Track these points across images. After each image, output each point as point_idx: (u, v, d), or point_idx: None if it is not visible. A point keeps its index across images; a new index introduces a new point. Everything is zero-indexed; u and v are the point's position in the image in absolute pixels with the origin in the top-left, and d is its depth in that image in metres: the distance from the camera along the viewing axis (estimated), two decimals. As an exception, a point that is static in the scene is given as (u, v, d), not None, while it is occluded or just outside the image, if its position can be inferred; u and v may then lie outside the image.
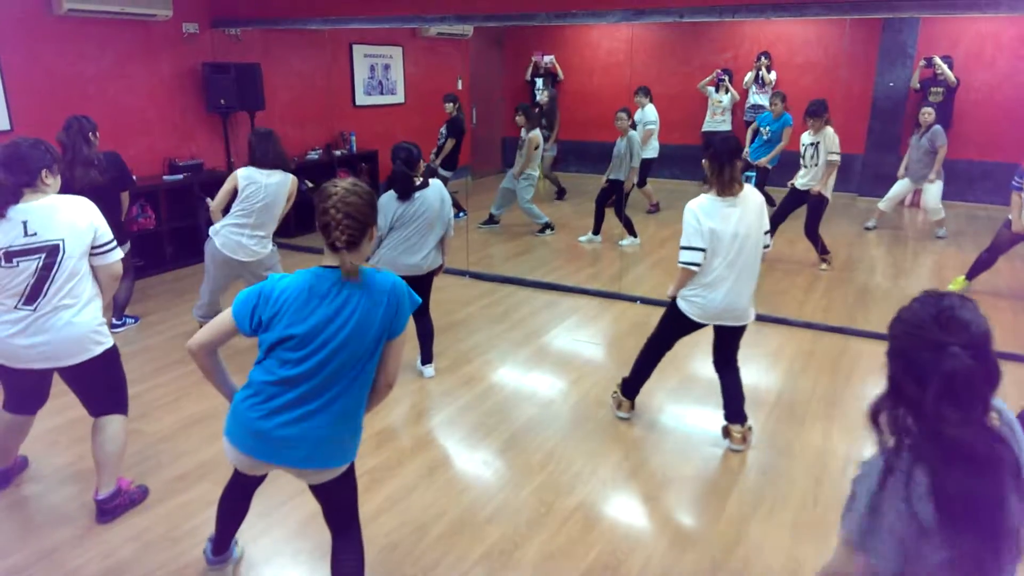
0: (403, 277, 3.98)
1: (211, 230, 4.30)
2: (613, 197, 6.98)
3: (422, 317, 4.11)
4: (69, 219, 2.59)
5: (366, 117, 8.59)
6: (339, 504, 2.16)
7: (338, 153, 7.98)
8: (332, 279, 1.92)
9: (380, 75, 8.81)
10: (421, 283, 4.01)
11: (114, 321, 4.80)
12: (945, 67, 8.25)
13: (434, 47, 9.62)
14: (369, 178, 8.34)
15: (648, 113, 8.08)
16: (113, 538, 2.70)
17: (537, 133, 7.28)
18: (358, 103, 8.56)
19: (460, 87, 10.10)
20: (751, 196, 3.17)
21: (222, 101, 6.55)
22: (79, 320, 2.63)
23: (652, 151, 8.10)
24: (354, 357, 1.93)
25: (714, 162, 3.10)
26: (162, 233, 6.17)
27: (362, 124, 8.51)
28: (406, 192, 3.76)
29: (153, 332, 4.79)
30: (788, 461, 3.26)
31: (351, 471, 2.13)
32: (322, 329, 1.90)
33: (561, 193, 9.33)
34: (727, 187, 3.11)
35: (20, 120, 5.31)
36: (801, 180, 6.12)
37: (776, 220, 6.32)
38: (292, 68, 7.60)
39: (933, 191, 7.13)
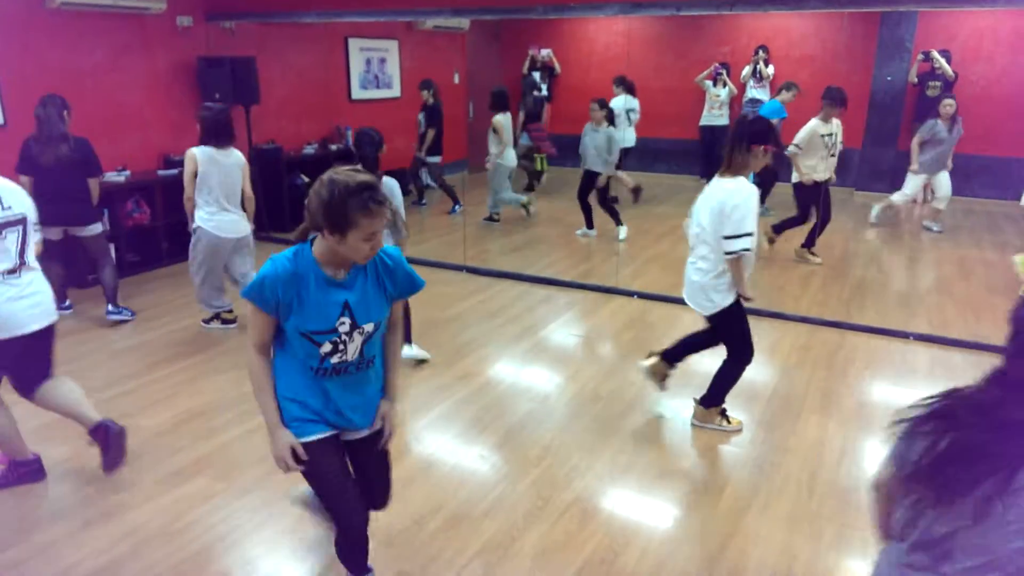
0: None
1: (199, 220, 4.42)
2: (593, 189, 7.01)
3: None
4: (23, 196, 2.90)
5: (362, 111, 8.56)
6: (385, 468, 2.24)
7: (334, 148, 7.95)
8: None
9: (376, 69, 8.78)
10: None
11: (110, 308, 4.85)
12: (943, 61, 8.25)
13: (430, 40, 9.58)
14: (366, 172, 8.31)
15: (633, 101, 8.17)
16: (109, 533, 2.70)
17: (500, 117, 7.25)
18: (354, 97, 8.53)
19: (457, 81, 10.08)
20: (714, 187, 3.18)
21: (217, 95, 6.52)
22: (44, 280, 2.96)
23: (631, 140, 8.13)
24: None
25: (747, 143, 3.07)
26: (157, 228, 6.14)
27: (358, 118, 8.47)
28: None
29: (148, 328, 4.78)
30: (783, 455, 3.27)
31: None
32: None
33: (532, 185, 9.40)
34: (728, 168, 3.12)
35: (14, 115, 5.29)
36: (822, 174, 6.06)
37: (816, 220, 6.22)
38: (287, 62, 7.57)
39: (948, 179, 7.11)
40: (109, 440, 3.01)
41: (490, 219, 7.68)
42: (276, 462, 2.01)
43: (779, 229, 6.39)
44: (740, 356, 3.35)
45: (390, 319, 2.09)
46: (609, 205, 6.98)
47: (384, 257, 1.99)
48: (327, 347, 1.92)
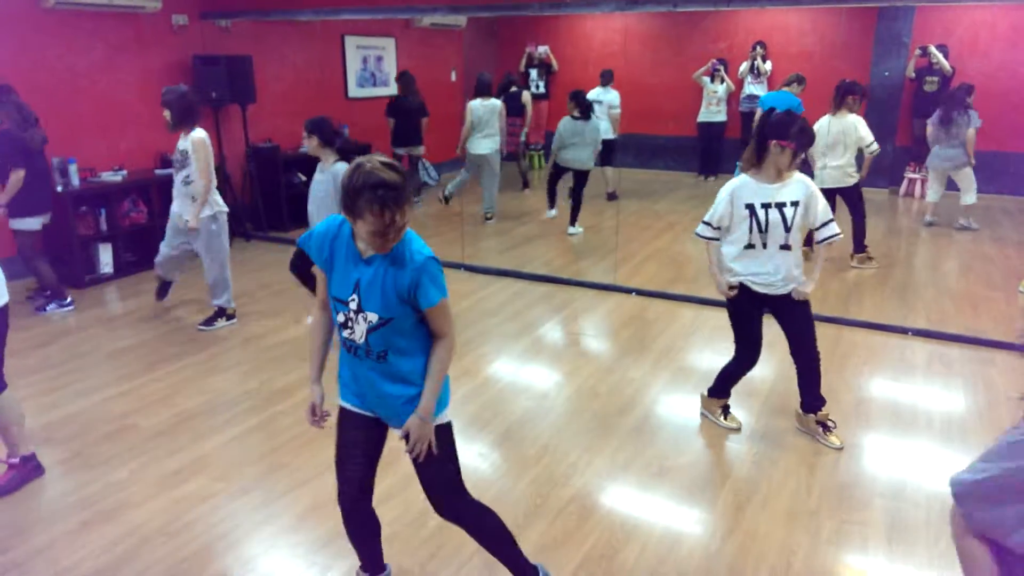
0: None
1: (216, 206, 4.49)
2: (574, 181, 7.05)
3: None
4: None
5: (359, 109, 8.55)
6: (427, 472, 2.09)
7: (332, 146, 7.94)
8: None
9: (373, 67, 8.76)
10: None
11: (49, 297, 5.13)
12: (940, 56, 8.25)
13: (427, 38, 9.57)
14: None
15: (607, 94, 8.30)
16: (109, 534, 2.70)
17: (471, 102, 7.24)
18: (351, 95, 8.51)
19: (454, 78, 10.06)
20: None
21: (213, 94, 6.51)
22: None
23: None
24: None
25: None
26: (154, 228, 6.12)
27: (355, 116, 8.47)
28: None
29: (147, 327, 4.78)
30: (782, 451, 3.27)
31: (440, 434, 2.05)
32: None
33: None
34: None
35: (10, 114, 5.27)
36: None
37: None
38: (284, 60, 7.55)
39: None
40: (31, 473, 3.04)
41: (487, 217, 7.68)
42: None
43: (861, 245, 5.97)
44: (738, 354, 3.36)
45: (433, 330, 1.98)
46: (554, 191, 7.25)
47: (413, 255, 1.87)
48: (340, 317, 1.97)
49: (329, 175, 3.94)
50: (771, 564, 2.55)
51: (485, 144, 7.32)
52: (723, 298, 3.29)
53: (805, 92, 7.29)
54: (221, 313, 4.73)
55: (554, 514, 2.82)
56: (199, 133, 4.38)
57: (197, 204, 4.39)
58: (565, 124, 6.83)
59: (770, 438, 3.38)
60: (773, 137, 2.93)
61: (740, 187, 3.05)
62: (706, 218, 3.16)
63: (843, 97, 5.63)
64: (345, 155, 3.99)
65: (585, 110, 6.81)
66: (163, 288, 4.98)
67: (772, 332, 4.64)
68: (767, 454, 3.25)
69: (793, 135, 2.90)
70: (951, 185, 7.19)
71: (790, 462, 3.18)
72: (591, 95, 8.10)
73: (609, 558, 2.57)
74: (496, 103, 7.37)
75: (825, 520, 2.78)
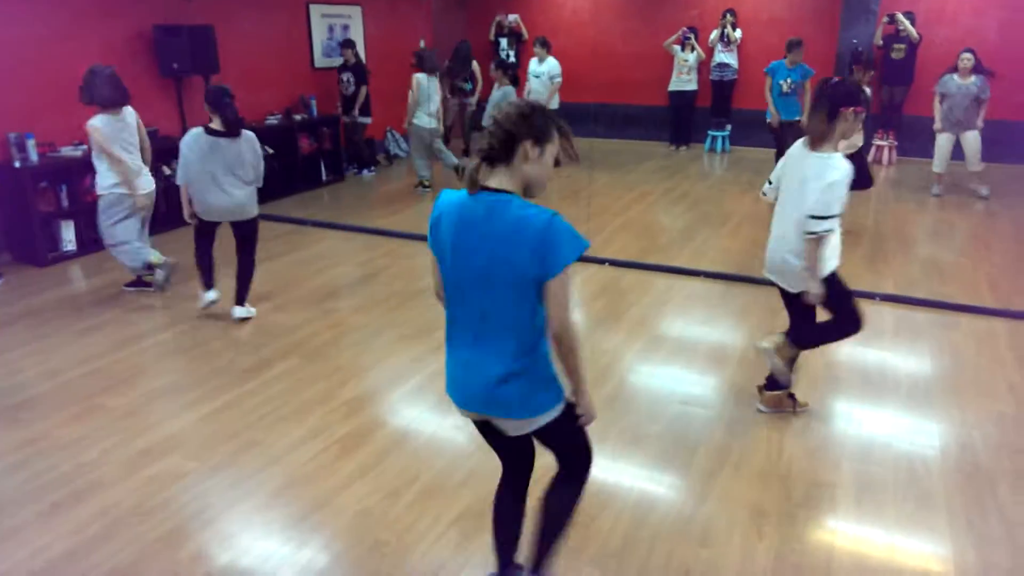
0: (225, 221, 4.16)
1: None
2: None
3: (246, 258, 4.30)
4: None
5: (326, 80, 8.36)
6: (557, 449, 2.12)
7: (298, 118, 7.77)
8: (478, 205, 1.78)
9: (339, 36, 8.55)
10: (245, 227, 4.24)
11: None
12: (907, 23, 8.29)
13: (395, 6, 9.36)
14: (332, 144, 8.16)
15: (553, 66, 8.19)
16: (80, 515, 2.66)
17: (417, 76, 7.16)
18: (317, 65, 8.32)
19: (423, 47, 9.88)
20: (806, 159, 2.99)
21: (175, 65, 6.32)
22: None
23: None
24: (499, 294, 1.80)
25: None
26: (118, 203, 5.95)
27: (322, 87, 8.29)
28: (238, 130, 4.13)
29: (113, 305, 4.67)
30: (753, 416, 3.32)
31: (558, 425, 1.97)
32: (465, 260, 1.81)
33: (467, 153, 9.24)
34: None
35: (-41, 87, 5.06)
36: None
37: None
38: (247, 30, 7.33)
39: (978, 138, 6.98)
40: None
41: (420, 185, 7.58)
42: (589, 421, 2.00)
43: None
44: (849, 318, 3.23)
45: None
46: None
47: None
48: None
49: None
50: (744, 527, 2.60)
51: (430, 119, 7.27)
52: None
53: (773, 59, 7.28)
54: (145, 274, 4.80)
55: (531, 484, 2.84)
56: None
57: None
58: (493, 93, 7.12)
59: (741, 403, 3.43)
60: (849, 104, 2.82)
61: (843, 169, 2.83)
62: (825, 212, 2.83)
63: (848, 66, 5.64)
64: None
65: (513, 79, 7.02)
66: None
67: (743, 300, 4.68)
68: (738, 419, 3.30)
69: (864, 101, 2.81)
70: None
71: (761, 427, 3.23)
72: (553, 69, 8.09)
73: (585, 525, 2.60)
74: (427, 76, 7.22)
75: (796, 483, 2.84)
